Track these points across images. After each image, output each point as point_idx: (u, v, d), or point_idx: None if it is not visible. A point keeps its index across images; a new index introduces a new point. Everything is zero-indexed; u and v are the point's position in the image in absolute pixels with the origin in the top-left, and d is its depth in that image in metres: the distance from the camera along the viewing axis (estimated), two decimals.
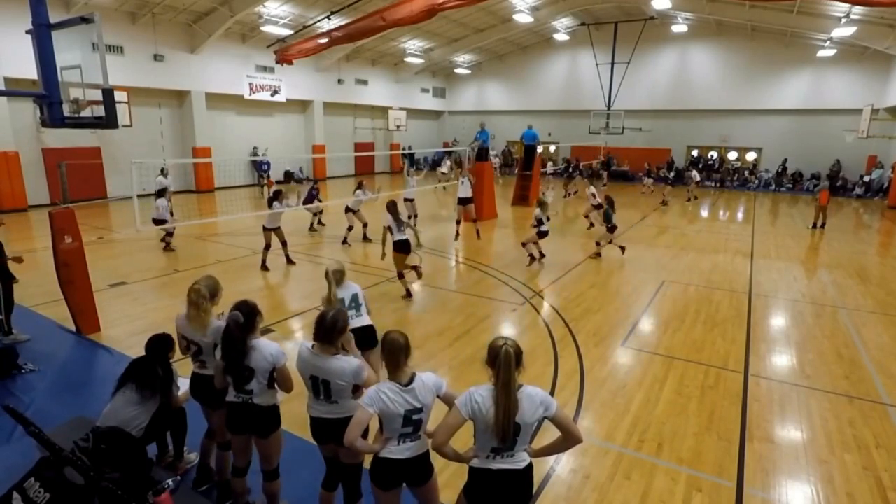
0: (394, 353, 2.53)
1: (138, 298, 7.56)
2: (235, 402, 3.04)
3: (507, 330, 6.71)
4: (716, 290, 8.38)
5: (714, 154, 26.15)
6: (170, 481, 2.56)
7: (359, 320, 4.18)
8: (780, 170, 24.21)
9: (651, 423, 4.45)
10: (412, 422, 2.50)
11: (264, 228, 9.16)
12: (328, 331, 2.79)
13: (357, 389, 2.87)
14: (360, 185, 11.51)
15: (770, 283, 8.86)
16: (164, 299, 7.55)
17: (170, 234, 10.58)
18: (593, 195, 13.09)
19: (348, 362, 2.82)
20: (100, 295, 6.90)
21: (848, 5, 15.13)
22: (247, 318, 2.95)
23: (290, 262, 9.47)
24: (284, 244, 9.42)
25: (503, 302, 7.67)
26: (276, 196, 9.15)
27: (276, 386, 3.06)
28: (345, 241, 11.23)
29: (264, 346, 2.99)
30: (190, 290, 3.30)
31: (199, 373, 3.40)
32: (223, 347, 2.96)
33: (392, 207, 7.49)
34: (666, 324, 6.89)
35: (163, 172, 13.21)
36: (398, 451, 2.52)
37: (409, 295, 7.71)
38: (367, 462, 3.09)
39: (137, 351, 3.56)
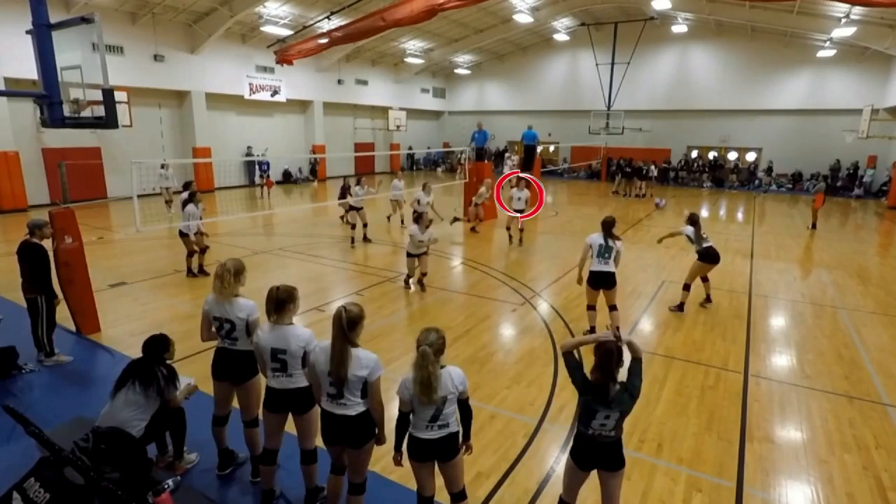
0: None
1: (138, 298, 7.56)
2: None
3: (507, 330, 6.71)
4: (716, 290, 8.36)
5: (714, 154, 26.13)
6: (170, 481, 2.57)
7: None
8: (765, 169, 24.25)
9: (651, 424, 4.45)
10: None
11: (182, 234, 8.40)
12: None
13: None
14: (358, 182, 11.41)
15: (770, 283, 8.87)
16: (164, 299, 7.55)
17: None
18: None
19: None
20: (100, 295, 6.90)
21: (848, 5, 15.13)
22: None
23: (194, 273, 8.60)
24: (201, 251, 8.63)
25: (503, 302, 7.67)
26: (191, 198, 8.33)
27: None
28: (352, 243, 11.09)
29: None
30: (217, 266, 3.47)
31: (229, 348, 3.48)
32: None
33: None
34: (666, 324, 6.89)
35: (163, 167, 13.89)
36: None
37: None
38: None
39: (137, 351, 3.57)
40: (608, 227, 5.90)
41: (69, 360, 5.52)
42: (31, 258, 5.23)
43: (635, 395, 2.75)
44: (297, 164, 24.57)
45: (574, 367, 2.87)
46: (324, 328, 5.99)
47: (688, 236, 7.31)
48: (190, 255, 8.57)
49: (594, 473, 2.91)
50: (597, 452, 2.81)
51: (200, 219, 8.68)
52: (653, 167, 22.37)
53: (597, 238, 5.89)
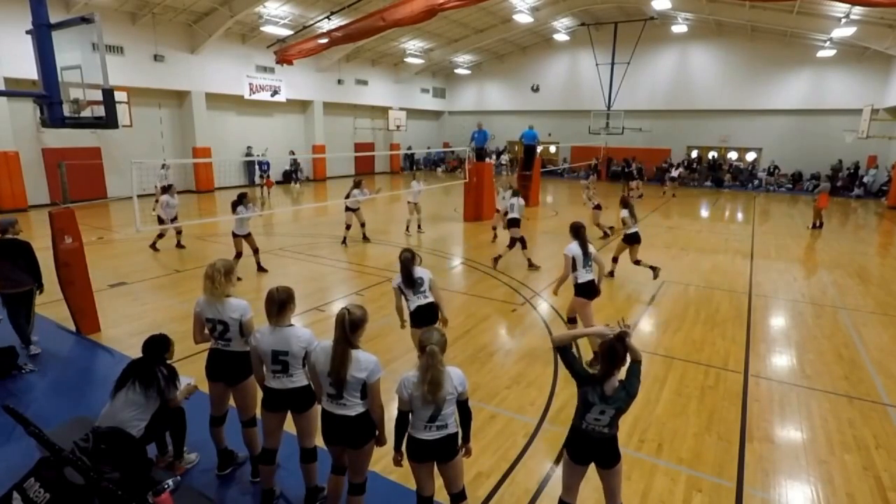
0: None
1: (138, 298, 7.56)
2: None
3: (507, 330, 6.71)
4: (716, 290, 8.38)
5: (714, 154, 26.13)
6: (170, 481, 2.57)
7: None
8: (770, 170, 24.31)
9: (651, 424, 4.45)
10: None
11: (234, 235, 8.81)
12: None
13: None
14: (357, 185, 11.32)
15: (770, 283, 8.86)
16: (164, 299, 7.55)
17: (161, 235, 10.54)
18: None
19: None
20: (100, 295, 6.90)
21: (848, 5, 15.13)
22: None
23: (261, 269, 8.99)
24: (256, 251, 8.96)
25: (503, 302, 7.67)
26: (241, 200, 8.57)
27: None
28: (344, 242, 11.22)
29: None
30: (207, 267, 3.46)
31: (222, 349, 3.47)
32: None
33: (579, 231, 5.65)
34: (666, 324, 6.89)
35: (164, 167, 14.39)
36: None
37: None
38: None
39: (137, 351, 3.56)
40: (581, 233, 5.55)
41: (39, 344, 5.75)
42: (21, 253, 5.37)
43: (632, 393, 2.78)
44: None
45: (572, 360, 2.89)
46: (323, 328, 6.01)
47: (623, 219, 8.30)
48: (237, 256, 8.68)
49: (593, 473, 2.91)
50: (591, 446, 2.84)
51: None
52: (673, 169, 22.60)
53: (576, 248, 5.47)
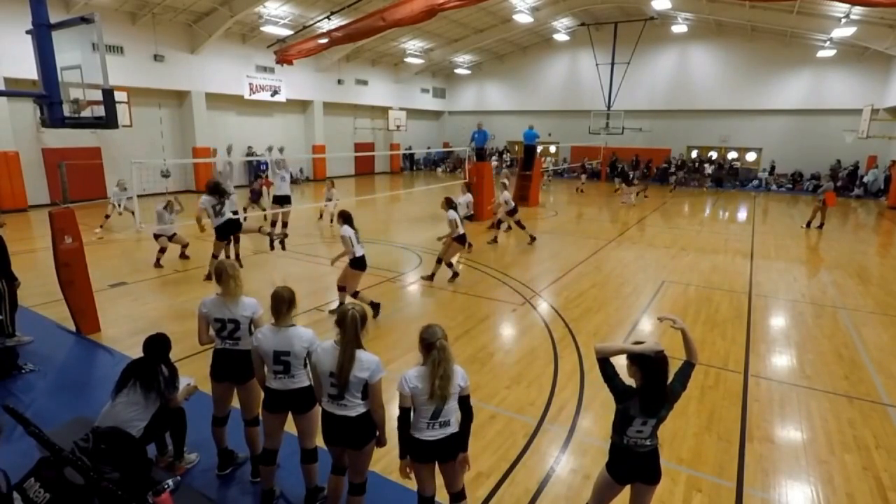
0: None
1: (138, 298, 7.56)
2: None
3: (507, 330, 6.71)
4: (716, 290, 8.38)
5: (714, 154, 26.13)
6: (170, 481, 2.57)
7: None
8: (769, 169, 24.34)
9: None
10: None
11: (155, 236, 9.10)
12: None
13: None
14: (165, 205, 9.49)
15: (770, 283, 8.86)
16: (164, 299, 7.55)
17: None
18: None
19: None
20: (100, 295, 6.89)
21: (848, 5, 15.14)
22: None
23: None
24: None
25: (503, 302, 7.67)
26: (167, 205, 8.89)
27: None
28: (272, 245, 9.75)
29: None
30: (224, 266, 3.49)
31: (230, 349, 3.49)
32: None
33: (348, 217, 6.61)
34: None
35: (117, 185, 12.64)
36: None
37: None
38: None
39: (137, 351, 3.56)
40: (350, 219, 6.57)
41: (30, 339, 5.65)
42: None
43: (671, 401, 2.64)
44: (297, 165, 24.55)
45: (612, 374, 2.71)
46: (324, 328, 6.00)
47: (451, 221, 8.75)
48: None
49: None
50: (635, 463, 2.69)
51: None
52: (707, 166, 22.61)
53: (349, 230, 6.48)
